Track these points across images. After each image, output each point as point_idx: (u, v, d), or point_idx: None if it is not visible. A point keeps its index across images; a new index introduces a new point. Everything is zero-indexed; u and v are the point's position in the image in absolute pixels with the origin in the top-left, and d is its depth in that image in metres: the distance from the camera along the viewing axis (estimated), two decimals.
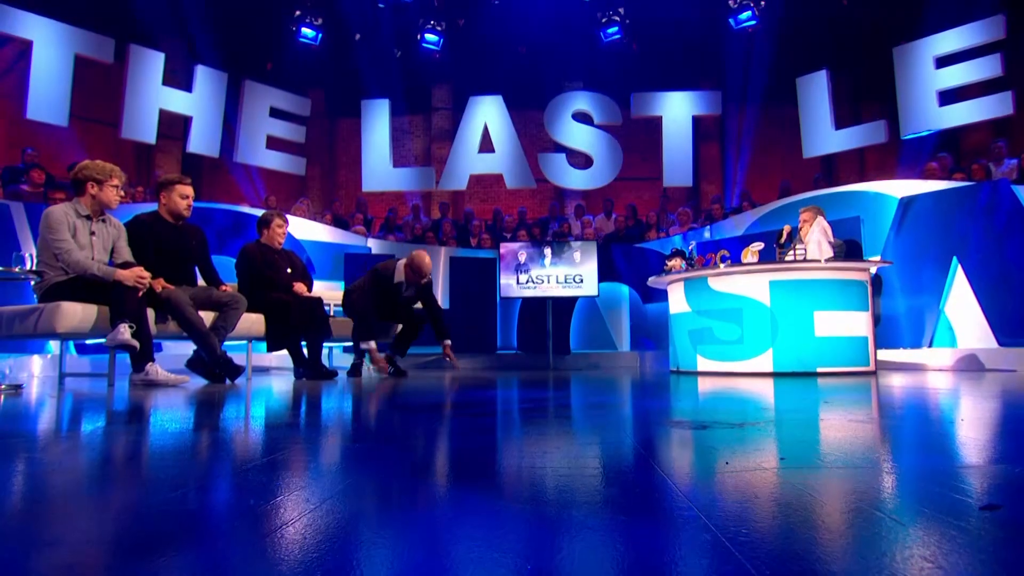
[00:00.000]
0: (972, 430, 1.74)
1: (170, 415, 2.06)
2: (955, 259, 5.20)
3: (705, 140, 11.39)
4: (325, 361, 4.93)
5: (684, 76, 10.71)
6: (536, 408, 2.27)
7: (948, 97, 8.18)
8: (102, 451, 1.37)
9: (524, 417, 2.01)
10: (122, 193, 3.68)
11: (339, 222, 8.53)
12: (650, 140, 10.60)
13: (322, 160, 12.53)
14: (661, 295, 5.87)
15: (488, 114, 9.84)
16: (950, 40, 8.08)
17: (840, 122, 9.20)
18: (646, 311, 7.21)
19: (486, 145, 9.89)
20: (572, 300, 7.13)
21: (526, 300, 7.01)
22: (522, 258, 6.70)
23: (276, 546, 0.70)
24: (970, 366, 5.09)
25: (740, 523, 0.78)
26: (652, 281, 5.59)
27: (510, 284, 6.64)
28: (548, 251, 6.79)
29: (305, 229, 6.99)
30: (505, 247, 6.66)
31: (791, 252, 4.61)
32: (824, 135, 9.11)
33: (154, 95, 8.81)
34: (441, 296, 6.99)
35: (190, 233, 4.05)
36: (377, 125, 10.10)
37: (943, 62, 8.14)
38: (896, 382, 3.60)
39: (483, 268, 7.06)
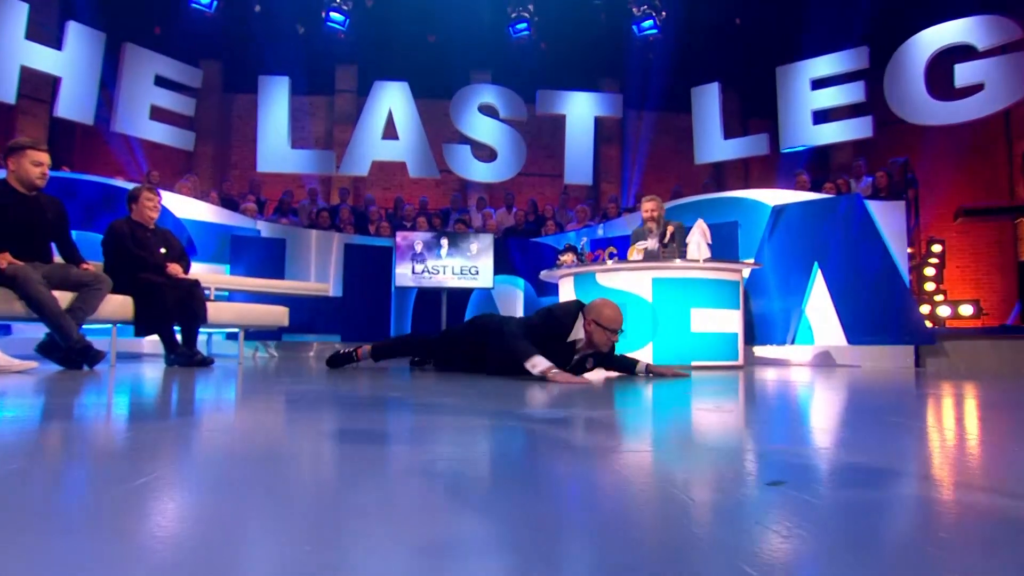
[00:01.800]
0: (790, 416, 1.91)
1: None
2: (816, 264, 5.69)
3: (607, 141, 11.76)
4: (203, 348, 4.65)
5: (588, 77, 11.00)
6: (403, 398, 2.25)
7: (820, 117, 8.91)
8: None
9: (389, 407, 1.99)
10: None
11: (228, 202, 8.06)
12: (554, 138, 10.81)
13: (214, 136, 11.80)
14: (554, 289, 6.01)
15: (393, 100, 9.64)
16: (823, 65, 8.80)
17: (729, 132, 9.77)
18: (540, 304, 7.36)
19: (390, 132, 9.68)
20: (467, 292, 7.16)
21: (421, 290, 6.96)
22: (418, 248, 6.65)
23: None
24: (824, 362, 5.61)
25: (549, 503, 0.82)
26: (544, 275, 5.71)
27: (405, 274, 6.58)
28: (445, 242, 6.77)
29: (188, 207, 6.54)
30: (401, 236, 6.58)
31: (643, 246, 4.87)
32: (714, 144, 9.65)
33: (15, 49, 7.90)
34: (334, 284, 6.79)
35: (45, 205, 3.68)
36: (276, 103, 9.62)
37: (817, 84, 8.86)
38: (756, 375, 3.89)
39: (379, 256, 6.94)
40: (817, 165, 10.08)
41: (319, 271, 6.88)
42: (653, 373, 3.48)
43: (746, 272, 5.70)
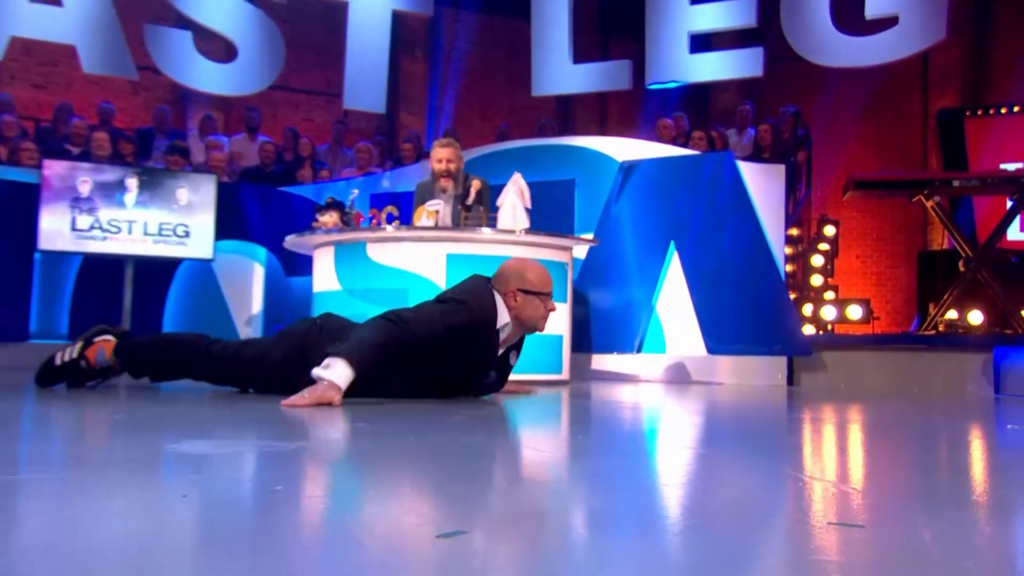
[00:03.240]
0: (540, 450, 2.02)
1: None
2: (672, 244, 6.16)
3: (409, 50, 11.79)
4: None
5: None
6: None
7: (699, 43, 9.66)
8: None
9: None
10: None
11: None
12: (330, 38, 10.60)
13: None
14: (308, 265, 5.93)
15: None
16: None
17: (580, 54, 10.21)
18: (290, 287, 7.24)
19: None
20: (172, 264, 6.90)
21: (89, 259, 6.56)
22: (85, 189, 6.27)
23: None
24: (678, 377, 6.10)
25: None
26: (289, 242, 5.64)
27: (59, 230, 6.18)
28: (133, 183, 6.47)
29: None
30: (53, 167, 6.13)
31: (435, 207, 4.99)
32: (559, 69, 10.04)
33: None
34: None
35: None
36: None
37: None
38: (575, 394, 4.11)
39: (15, 199, 6.40)
40: (694, 109, 10.93)
41: None
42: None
43: (580, 251, 6.02)
